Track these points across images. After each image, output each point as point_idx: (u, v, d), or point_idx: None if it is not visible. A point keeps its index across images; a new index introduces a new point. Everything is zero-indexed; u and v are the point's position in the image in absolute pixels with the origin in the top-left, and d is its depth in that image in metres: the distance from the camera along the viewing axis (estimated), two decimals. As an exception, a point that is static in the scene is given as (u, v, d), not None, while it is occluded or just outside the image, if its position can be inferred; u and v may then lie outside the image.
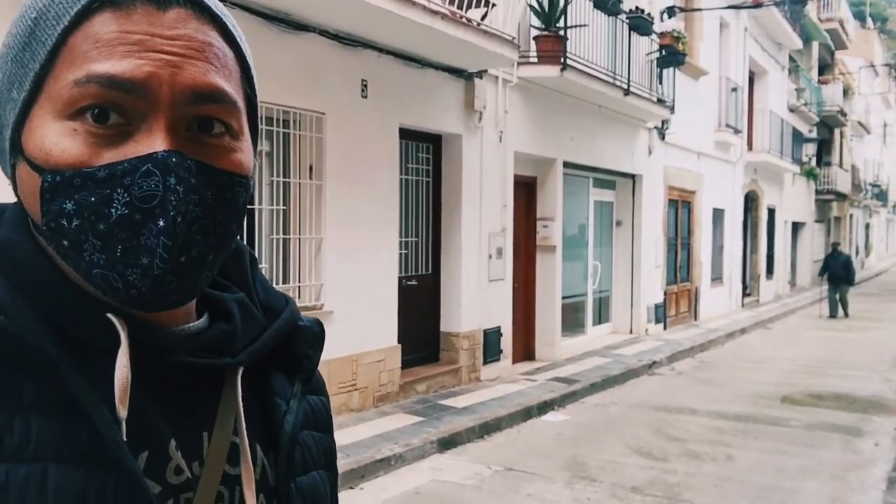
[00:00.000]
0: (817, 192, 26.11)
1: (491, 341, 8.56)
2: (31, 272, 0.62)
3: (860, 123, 34.07)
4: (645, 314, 12.64)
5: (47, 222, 0.60)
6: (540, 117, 9.42)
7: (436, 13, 6.18)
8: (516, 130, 8.96)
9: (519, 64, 8.54)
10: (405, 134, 7.41)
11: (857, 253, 36.38)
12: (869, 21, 46.04)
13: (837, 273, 16.76)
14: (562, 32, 8.71)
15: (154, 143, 0.59)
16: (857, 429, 7.40)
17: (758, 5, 15.88)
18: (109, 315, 0.62)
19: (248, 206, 0.69)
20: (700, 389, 9.14)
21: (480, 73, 8.11)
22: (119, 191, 0.58)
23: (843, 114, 27.61)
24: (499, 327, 8.72)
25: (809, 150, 24.17)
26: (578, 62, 9.02)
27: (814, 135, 24.97)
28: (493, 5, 7.40)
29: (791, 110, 21.67)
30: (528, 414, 7.37)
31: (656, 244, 13.09)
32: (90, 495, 0.57)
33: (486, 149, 8.43)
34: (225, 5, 0.67)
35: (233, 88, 0.64)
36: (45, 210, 0.60)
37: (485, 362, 8.49)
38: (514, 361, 9.23)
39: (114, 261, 0.59)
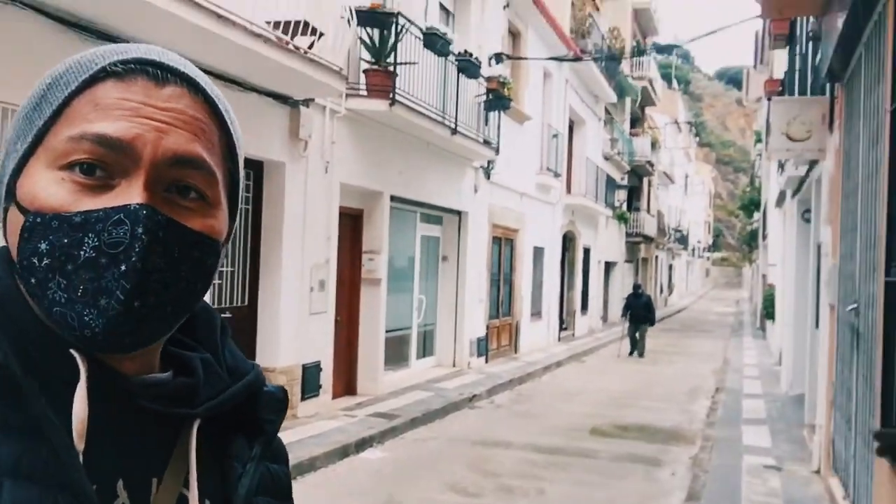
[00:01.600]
0: (627, 234, 28.15)
1: (310, 376, 8.29)
2: (7, 304, 0.66)
3: (665, 174, 37.33)
4: (468, 347, 12.86)
5: (20, 260, 0.64)
6: (368, 150, 9.39)
7: (258, 36, 5.97)
8: (343, 161, 8.86)
9: (348, 96, 8.48)
10: (224, 159, 7.06)
11: (662, 291, 39.52)
12: (674, 83, 50.86)
13: (638, 313, 17.10)
14: (391, 68, 8.77)
15: (131, 196, 0.63)
16: (657, 459, 7.87)
17: (577, 59, 16.98)
18: (72, 350, 0.64)
19: None
20: (517, 422, 9.37)
21: (307, 102, 7.95)
22: (91, 235, 0.62)
23: (651, 164, 30.13)
24: (319, 362, 8.48)
25: (621, 195, 26.06)
26: (407, 98, 9.10)
27: (625, 182, 26.99)
28: (322, 35, 7.29)
29: (606, 158, 23.28)
30: (345, 452, 7.17)
31: (480, 279, 13.43)
32: None
33: (311, 178, 8.25)
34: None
35: (213, 160, 0.69)
36: (21, 248, 0.64)
37: (303, 398, 8.20)
38: (335, 396, 9.01)
39: (74, 300, 0.62)
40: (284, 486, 0.82)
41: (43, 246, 0.62)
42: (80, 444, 0.62)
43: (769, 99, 11.33)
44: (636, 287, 18.16)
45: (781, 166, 11.98)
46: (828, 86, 7.04)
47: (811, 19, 8.21)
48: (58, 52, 5.05)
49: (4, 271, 0.68)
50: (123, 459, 0.67)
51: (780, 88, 12.09)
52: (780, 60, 15.02)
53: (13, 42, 4.75)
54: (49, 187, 0.64)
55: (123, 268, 0.61)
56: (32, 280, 0.63)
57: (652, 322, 17.61)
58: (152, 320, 0.64)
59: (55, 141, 0.65)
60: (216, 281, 7.14)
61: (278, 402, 0.80)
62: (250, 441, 0.77)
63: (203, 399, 0.73)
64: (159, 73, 0.68)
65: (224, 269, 7.44)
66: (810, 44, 8.49)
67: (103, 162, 0.64)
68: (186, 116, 0.67)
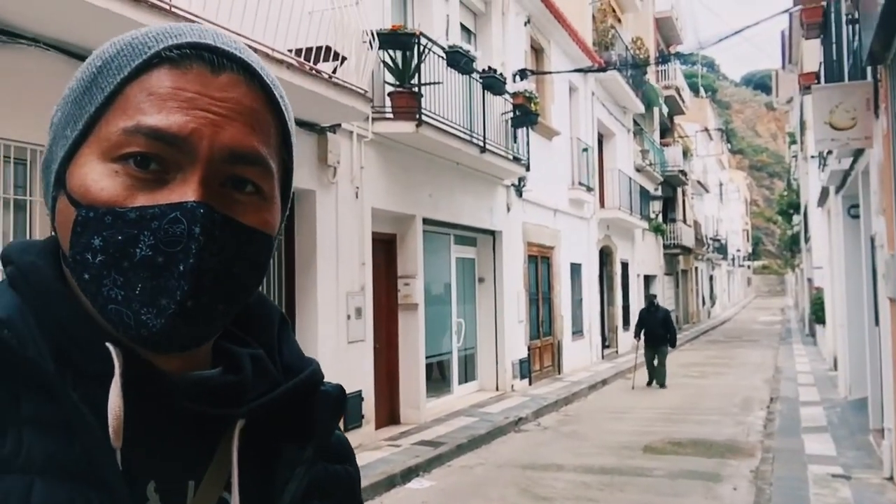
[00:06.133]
0: (665, 246, 27.65)
1: (352, 407, 8.12)
2: (46, 295, 0.64)
3: (699, 182, 36.75)
4: (510, 370, 12.59)
5: (73, 254, 0.62)
6: (397, 173, 9.28)
7: (280, 62, 5.91)
8: (373, 186, 8.76)
9: (374, 119, 8.40)
10: (253, 189, 7.00)
11: (704, 303, 38.74)
12: (701, 91, 50.42)
13: (655, 332, 13.98)
14: (416, 89, 8.68)
15: (186, 192, 0.62)
16: (716, 474, 7.52)
17: (601, 69, 16.79)
18: (108, 344, 0.62)
19: None
20: (566, 444, 9.07)
21: (334, 128, 7.88)
22: (146, 233, 0.61)
23: (684, 173, 29.67)
24: (360, 391, 8.30)
25: (656, 206, 25.63)
26: (434, 119, 8.99)
27: (659, 193, 26.57)
28: (345, 59, 7.23)
29: (638, 170, 22.95)
30: (391, 483, 6.96)
31: (518, 299, 13.18)
32: None
33: (341, 205, 8.15)
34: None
35: (269, 153, 0.67)
36: (74, 242, 0.62)
37: (346, 429, 8.01)
38: (378, 427, 8.81)
39: (131, 298, 0.60)
40: (346, 487, 0.78)
41: (96, 241, 0.61)
42: (116, 442, 0.60)
43: (807, 89, 10.98)
44: (650, 300, 14.90)
45: (823, 162, 11.61)
46: (869, 70, 6.75)
47: (847, 2, 7.94)
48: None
49: (47, 262, 0.66)
50: (156, 461, 0.65)
51: (816, 81, 11.75)
52: (811, 55, 14.68)
53: (32, 81, 4.72)
54: (101, 180, 0.62)
55: (182, 268, 0.60)
56: (86, 276, 0.62)
57: (673, 343, 14.33)
58: (205, 319, 0.63)
59: (108, 131, 0.63)
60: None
61: (334, 402, 0.77)
62: (303, 443, 0.73)
63: (250, 398, 0.70)
64: (215, 58, 0.65)
65: (259, 301, 7.34)
66: (847, 29, 8.21)
67: (158, 156, 0.62)
68: (243, 107, 0.65)
